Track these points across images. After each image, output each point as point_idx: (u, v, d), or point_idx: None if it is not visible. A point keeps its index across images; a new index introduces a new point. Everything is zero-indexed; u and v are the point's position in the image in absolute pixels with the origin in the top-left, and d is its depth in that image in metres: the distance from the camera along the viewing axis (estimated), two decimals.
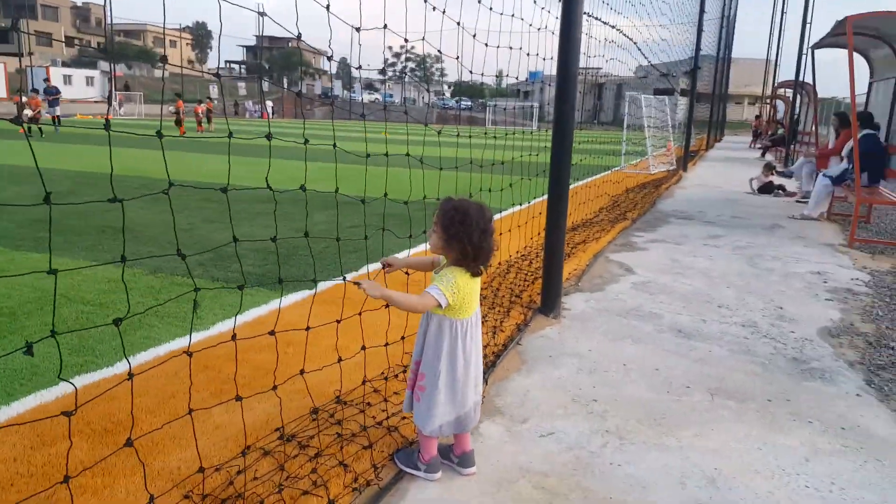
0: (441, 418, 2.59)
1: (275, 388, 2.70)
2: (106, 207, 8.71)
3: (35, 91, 29.18)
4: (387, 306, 2.75)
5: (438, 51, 3.88)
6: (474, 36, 4.47)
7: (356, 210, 8.69)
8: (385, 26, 3.29)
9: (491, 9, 4.56)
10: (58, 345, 2.06)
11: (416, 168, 3.94)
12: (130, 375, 2.15)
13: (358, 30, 3.11)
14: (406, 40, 3.53)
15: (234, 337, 2.53)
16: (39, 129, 24.55)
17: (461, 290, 2.51)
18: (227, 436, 2.86)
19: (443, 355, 2.56)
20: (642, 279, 5.95)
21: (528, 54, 5.36)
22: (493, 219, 2.56)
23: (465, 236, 2.46)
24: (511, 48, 5.05)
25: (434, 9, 3.68)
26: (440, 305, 2.48)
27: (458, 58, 4.06)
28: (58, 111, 25.48)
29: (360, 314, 3.29)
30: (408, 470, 2.69)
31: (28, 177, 11.89)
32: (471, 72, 4.51)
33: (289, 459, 2.65)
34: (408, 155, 3.64)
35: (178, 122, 28.83)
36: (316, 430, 2.89)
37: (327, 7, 2.97)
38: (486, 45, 4.68)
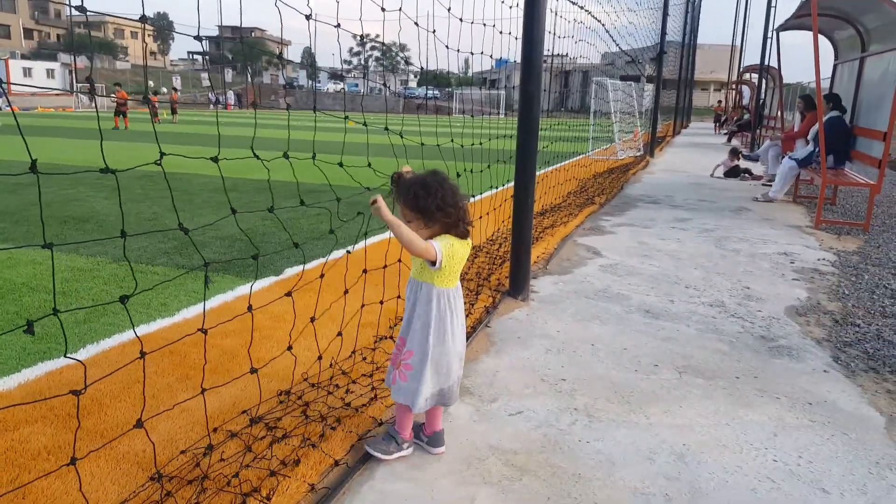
0: (426, 392, 2.51)
1: (253, 371, 2.64)
2: (67, 198, 8.52)
3: None
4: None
5: (391, 42, 3.78)
6: (449, 9, 4.41)
7: (317, 199, 8.60)
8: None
9: None
10: (61, 323, 2.02)
11: (386, 156, 3.89)
12: (142, 354, 2.16)
13: (345, 22, 3.03)
14: (363, 36, 3.45)
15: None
16: None
17: (454, 255, 2.44)
18: (194, 419, 2.81)
19: (431, 325, 2.47)
20: (610, 262, 5.96)
21: (501, 32, 5.28)
22: (447, 175, 2.48)
23: (440, 201, 2.37)
24: (485, 25, 4.98)
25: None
26: (434, 264, 2.40)
27: (433, 31, 3.98)
28: None
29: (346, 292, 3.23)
30: (394, 456, 2.59)
31: None
32: (433, 67, 4.43)
33: (256, 441, 2.60)
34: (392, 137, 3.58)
35: (121, 114, 25.60)
36: (283, 412, 2.84)
37: None
38: (461, 19, 4.61)
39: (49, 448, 2.58)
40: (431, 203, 2.38)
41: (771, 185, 11.48)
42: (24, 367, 3.33)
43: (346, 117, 3.10)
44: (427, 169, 2.50)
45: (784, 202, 9.98)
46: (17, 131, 21.80)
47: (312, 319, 3.09)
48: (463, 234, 2.48)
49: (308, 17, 2.96)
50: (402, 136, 3.81)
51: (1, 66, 54.49)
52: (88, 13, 1.93)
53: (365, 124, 3.51)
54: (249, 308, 2.55)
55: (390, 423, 2.80)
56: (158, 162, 2.19)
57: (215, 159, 2.29)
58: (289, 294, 2.87)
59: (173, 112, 33.60)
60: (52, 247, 1.66)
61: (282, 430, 2.68)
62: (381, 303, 3.81)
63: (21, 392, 3.06)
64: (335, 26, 3.06)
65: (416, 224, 2.43)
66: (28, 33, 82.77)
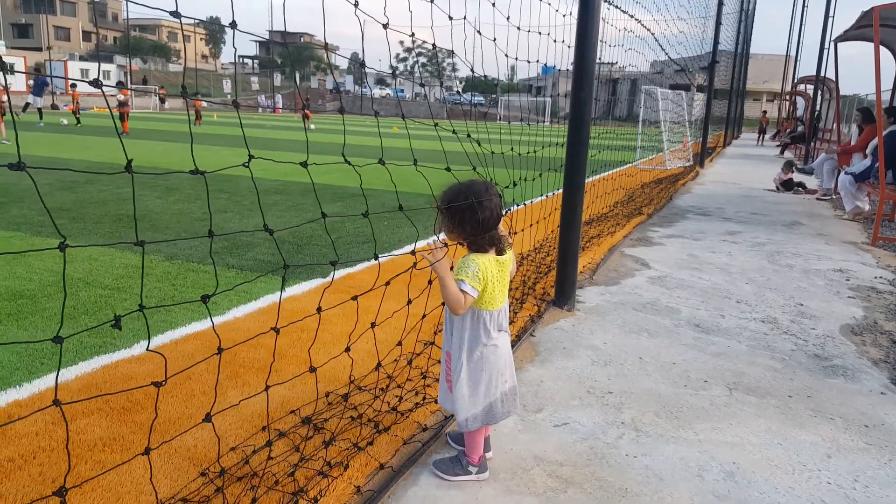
0: (467, 411, 2.44)
1: (313, 369, 2.65)
2: (122, 196, 8.73)
3: (73, 85, 32.18)
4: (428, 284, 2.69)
5: (438, 47, 3.72)
6: (507, 18, 4.38)
7: (361, 204, 8.67)
8: (386, 26, 3.15)
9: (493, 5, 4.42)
10: (146, 318, 2.07)
11: (427, 162, 3.89)
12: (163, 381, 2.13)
13: (386, 26, 3.03)
14: (412, 35, 3.44)
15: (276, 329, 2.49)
16: (77, 118, 25.46)
17: (484, 274, 2.34)
18: (243, 417, 2.85)
19: (465, 343, 2.43)
20: (658, 274, 5.87)
21: (556, 41, 5.24)
22: (483, 191, 2.38)
23: (459, 211, 2.34)
24: (530, 31, 4.94)
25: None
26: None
27: (479, 31, 3.96)
28: (40, 103, 25.71)
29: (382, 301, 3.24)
30: (457, 479, 2.53)
31: (47, 165, 11.94)
32: (479, 73, 4.39)
33: (304, 441, 2.63)
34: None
35: (122, 117, 22.74)
36: (330, 413, 2.86)
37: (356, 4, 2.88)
38: (518, 28, 4.58)
39: (105, 440, 2.64)
40: (457, 215, 2.35)
41: (825, 200, 11.24)
42: (80, 360, 3.42)
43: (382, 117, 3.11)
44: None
45: (838, 218, 9.72)
46: (77, 131, 22.42)
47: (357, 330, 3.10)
48: (498, 251, 2.43)
49: (356, 5, 2.93)
50: (479, 144, 3.80)
51: (60, 67, 56.26)
52: (143, 16, 1.96)
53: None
54: (276, 329, 2.57)
55: (448, 433, 2.81)
56: (246, 164, 2.22)
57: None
58: (319, 311, 2.85)
59: (307, 118, 33.15)
60: (66, 247, 1.60)
61: (329, 432, 2.69)
62: (424, 316, 3.80)
63: (78, 384, 3.14)
64: (384, 26, 3.06)
65: (447, 228, 2.41)
66: (86, 36, 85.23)
